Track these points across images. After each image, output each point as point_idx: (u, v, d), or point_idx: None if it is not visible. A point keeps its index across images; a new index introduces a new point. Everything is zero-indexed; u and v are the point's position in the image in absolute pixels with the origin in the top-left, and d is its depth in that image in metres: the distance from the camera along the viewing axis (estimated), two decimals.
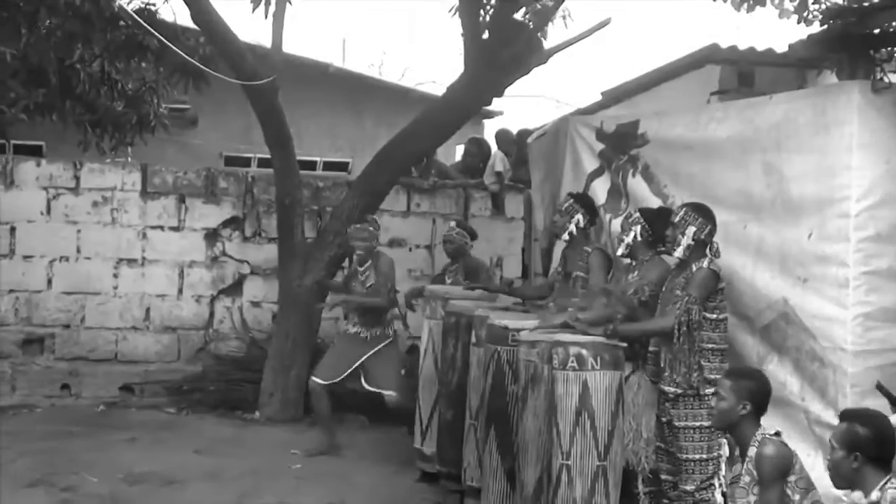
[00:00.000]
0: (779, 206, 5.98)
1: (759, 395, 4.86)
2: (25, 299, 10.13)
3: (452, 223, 8.96)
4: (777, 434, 4.77)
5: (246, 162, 15.21)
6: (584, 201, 7.27)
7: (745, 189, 6.29)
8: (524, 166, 10.23)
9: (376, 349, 8.05)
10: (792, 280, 5.84)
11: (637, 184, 7.46)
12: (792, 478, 4.64)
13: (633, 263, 6.51)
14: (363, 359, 8.01)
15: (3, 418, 9.36)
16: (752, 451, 4.73)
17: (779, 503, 4.59)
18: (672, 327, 5.79)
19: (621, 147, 7.68)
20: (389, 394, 8.01)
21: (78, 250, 10.28)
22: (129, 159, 12.23)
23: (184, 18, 9.88)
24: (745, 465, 4.77)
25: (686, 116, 7.19)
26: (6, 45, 11.48)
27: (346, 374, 8.01)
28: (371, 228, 8.23)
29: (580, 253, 7.03)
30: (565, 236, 7.10)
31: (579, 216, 7.08)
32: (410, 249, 10.82)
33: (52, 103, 11.82)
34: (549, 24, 9.20)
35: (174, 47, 9.18)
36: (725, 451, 5.45)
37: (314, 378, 8.09)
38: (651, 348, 6.05)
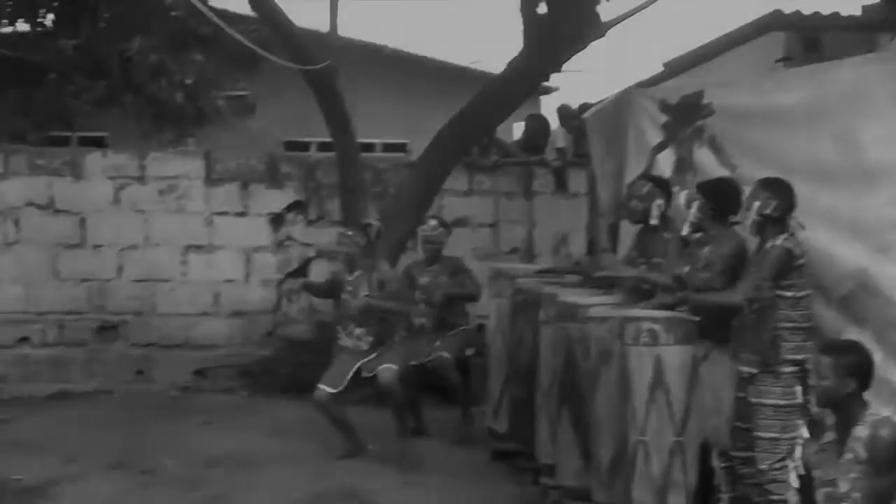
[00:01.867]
0: (852, 173, 5.87)
1: (863, 369, 4.63)
2: (98, 288, 10.33)
3: (433, 221, 8.61)
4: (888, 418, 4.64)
5: (305, 146, 15.34)
6: (661, 184, 7.13)
7: (815, 157, 6.17)
8: (586, 141, 10.17)
9: (377, 353, 7.65)
10: (870, 248, 5.72)
11: (704, 155, 7.36)
12: None
13: (705, 238, 6.40)
14: (362, 362, 7.64)
15: (81, 404, 9.58)
16: (859, 432, 4.52)
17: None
18: (741, 304, 5.72)
19: (686, 118, 7.58)
20: (386, 366, 7.49)
21: (146, 238, 10.43)
22: (192, 147, 12.40)
23: (236, 5, 9.95)
24: (847, 443, 4.61)
25: (752, 84, 7.09)
26: (69, 37, 11.67)
27: (349, 377, 7.62)
28: (358, 233, 7.76)
29: (659, 239, 6.83)
30: (653, 220, 6.88)
31: (661, 200, 6.94)
32: (473, 229, 10.83)
33: (115, 95, 11.99)
34: None
35: (233, 32, 9.23)
36: (804, 432, 5.39)
37: (321, 386, 7.65)
38: (735, 324, 5.96)
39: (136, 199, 10.44)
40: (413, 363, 8.11)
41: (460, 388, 8.31)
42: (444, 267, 8.45)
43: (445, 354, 8.21)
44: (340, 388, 7.61)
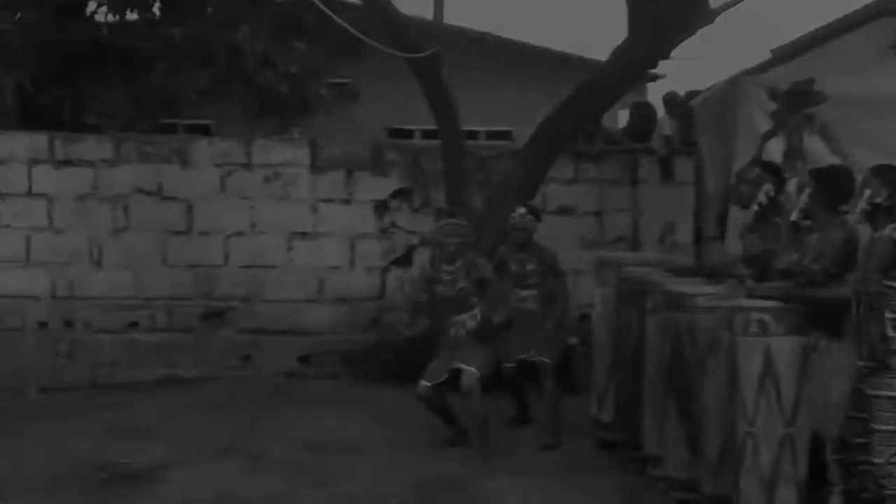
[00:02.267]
0: None
1: None
2: (205, 274, 10.47)
3: (522, 209, 8.35)
4: None
5: (408, 134, 15.41)
6: (770, 169, 7.02)
7: None
8: (693, 129, 10.02)
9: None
10: None
11: (814, 143, 7.28)
12: None
13: (813, 225, 6.28)
14: (457, 358, 7.62)
15: (188, 389, 9.77)
16: None
17: None
18: (849, 297, 5.56)
19: (796, 106, 7.48)
20: (468, 369, 7.48)
21: (252, 225, 10.55)
22: (296, 136, 12.52)
23: None
24: None
25: (865, 72, 6.97)
26: (176, 26, 11.85)
27: (448, 372, 7.61)
28: (464, 224, 7.85)
29: (770, 225, 6.78)
30: (754, 206, 6.86)
31: (768, 186, 6.85)
32: (578, 217, 10.74)
33: (222, 84, 12.15)
34: None
35: (339, 20, 9.27)
36: None
37: (422, 381, 7.64)
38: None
39: (242, 187, 10.55)
40: (520, 357, 8.04)
41: (554, 395, 8.14)
42: (532, 254, 8.32)
43: (547, 360, 8.08)
44: (441, 380, 7.62)
